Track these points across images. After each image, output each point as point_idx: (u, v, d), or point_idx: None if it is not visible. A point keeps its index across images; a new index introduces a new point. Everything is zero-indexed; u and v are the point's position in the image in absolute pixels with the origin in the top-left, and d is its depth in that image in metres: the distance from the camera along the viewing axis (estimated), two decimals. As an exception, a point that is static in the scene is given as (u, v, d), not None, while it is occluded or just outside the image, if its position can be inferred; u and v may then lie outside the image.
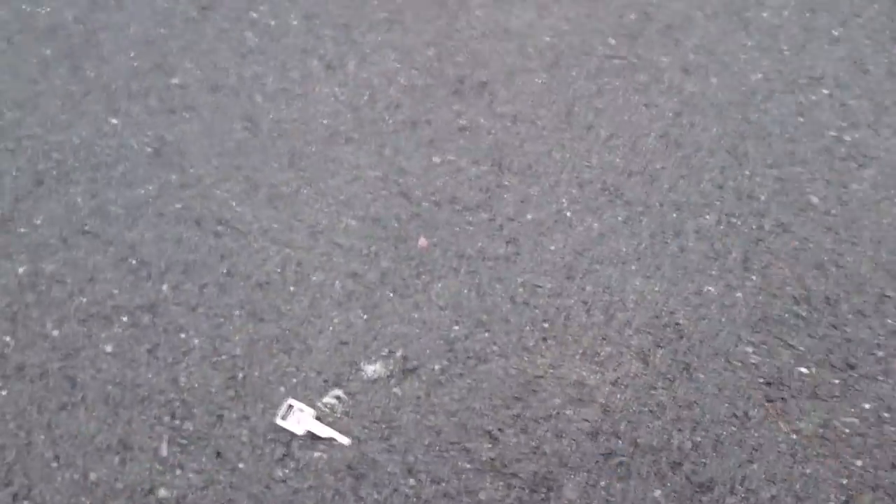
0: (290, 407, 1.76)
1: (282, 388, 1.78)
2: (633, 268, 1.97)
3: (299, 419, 1.74)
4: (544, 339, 1.86)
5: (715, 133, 2.22)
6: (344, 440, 1.72)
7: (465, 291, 1.93)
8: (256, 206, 2.06)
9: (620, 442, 1.71)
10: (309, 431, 1.73)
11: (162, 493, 1.64)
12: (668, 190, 2.10)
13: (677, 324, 1.88)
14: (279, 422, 1.73)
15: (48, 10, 2.55)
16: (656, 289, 1.93)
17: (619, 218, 2.05)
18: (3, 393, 1.77)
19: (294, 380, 1.80)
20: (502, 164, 2.16)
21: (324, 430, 1.73)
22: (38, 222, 2.05)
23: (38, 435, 1.71)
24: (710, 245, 2.00)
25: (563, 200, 2.08)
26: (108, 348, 1.84)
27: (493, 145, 2.19)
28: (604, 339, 1.86)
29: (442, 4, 2.50)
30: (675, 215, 2.06)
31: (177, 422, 1.74)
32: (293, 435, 1.71)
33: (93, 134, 2.22)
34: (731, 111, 2.27)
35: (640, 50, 2.40)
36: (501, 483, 1.66)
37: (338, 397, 1.78)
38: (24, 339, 1.85)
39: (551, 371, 1.81)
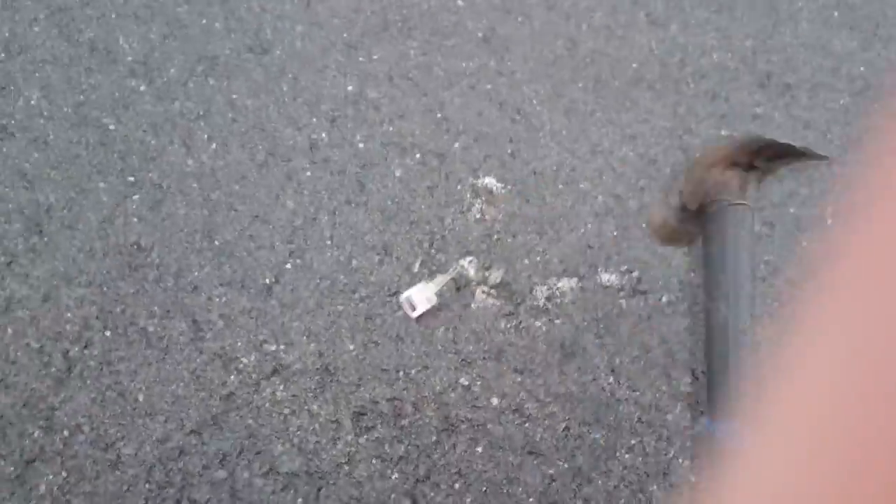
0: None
1: (525, 261, 1.98)
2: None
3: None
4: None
5: None
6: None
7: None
8: (554, 110, 2.27)
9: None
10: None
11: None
12: None
13: None
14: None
15: None
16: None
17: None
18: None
19: (537, 258, 1.99)
20: (783, 158, 2.25)
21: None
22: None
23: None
24: None
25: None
26: (398, 173, 2.10)
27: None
28: None
29: (773, 8, 2.61)
30: None
31: (427, 266, 1.98)
32: (523, 297, 1.91)
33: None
34: None
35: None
36: (688, 414, 1.80)
37: (571, 288, 1.96)
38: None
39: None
